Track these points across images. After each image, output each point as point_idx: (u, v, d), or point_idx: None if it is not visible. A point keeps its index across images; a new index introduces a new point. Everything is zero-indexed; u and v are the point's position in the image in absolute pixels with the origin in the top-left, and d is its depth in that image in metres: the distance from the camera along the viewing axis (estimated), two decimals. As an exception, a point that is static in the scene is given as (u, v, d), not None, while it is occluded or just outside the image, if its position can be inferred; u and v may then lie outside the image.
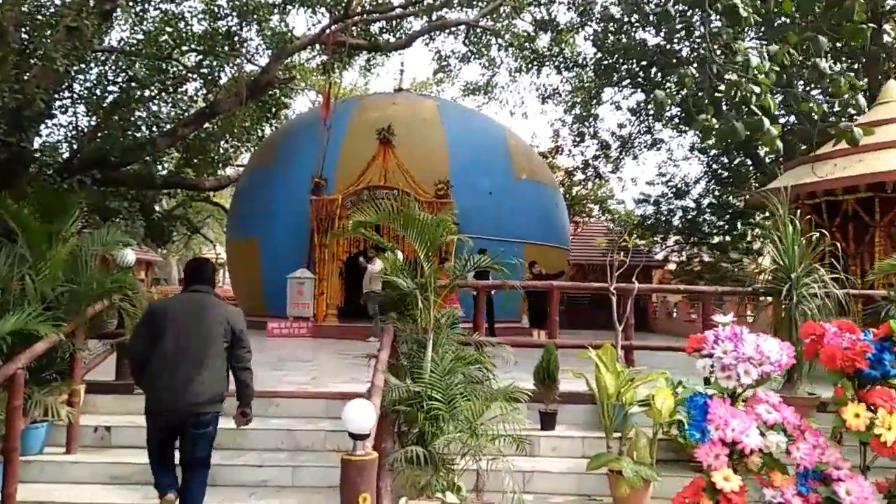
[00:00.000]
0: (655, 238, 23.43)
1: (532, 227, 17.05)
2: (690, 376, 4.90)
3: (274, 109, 18.81)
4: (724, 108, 6.44)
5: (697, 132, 21.83)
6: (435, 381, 4.47)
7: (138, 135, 16.42)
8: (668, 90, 21.54)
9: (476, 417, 4.38)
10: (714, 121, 5.98)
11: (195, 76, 17.98)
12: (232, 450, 5.63)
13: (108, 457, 5.55)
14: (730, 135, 5.75)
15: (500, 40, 22.53)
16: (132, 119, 16.27)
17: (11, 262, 5.53)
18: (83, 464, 5.35)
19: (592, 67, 21.42)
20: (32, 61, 14.26)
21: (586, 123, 23.57)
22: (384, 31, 20.94)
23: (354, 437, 3.52)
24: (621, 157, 23.68)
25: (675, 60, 19.66)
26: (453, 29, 21.69)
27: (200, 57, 17.60)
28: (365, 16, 18.59)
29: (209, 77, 17.37)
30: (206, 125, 17.78)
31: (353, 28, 19.20)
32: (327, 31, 17.28)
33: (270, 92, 18.06)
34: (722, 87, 5.97)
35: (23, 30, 14.75)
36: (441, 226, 5.25)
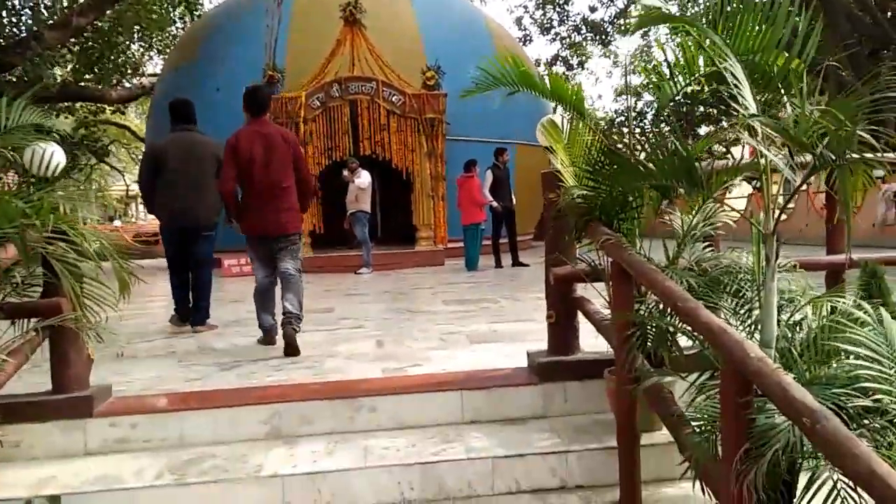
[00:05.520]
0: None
1: (523, 126, 14.28)
2: None
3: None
4: None
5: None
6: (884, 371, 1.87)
7: (20, 28, 12.44)
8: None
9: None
10: None
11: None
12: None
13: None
14: None
15: None
16: (11, 9, 12.22)
17: None
18: None
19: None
20: None
21: (555, 8, 20.62)
22: None
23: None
24: (592, 42, 20.94)
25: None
26: None
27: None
28: None
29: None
30: (107, 15, 13.79)
31: None
32: None
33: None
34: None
35: None
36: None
